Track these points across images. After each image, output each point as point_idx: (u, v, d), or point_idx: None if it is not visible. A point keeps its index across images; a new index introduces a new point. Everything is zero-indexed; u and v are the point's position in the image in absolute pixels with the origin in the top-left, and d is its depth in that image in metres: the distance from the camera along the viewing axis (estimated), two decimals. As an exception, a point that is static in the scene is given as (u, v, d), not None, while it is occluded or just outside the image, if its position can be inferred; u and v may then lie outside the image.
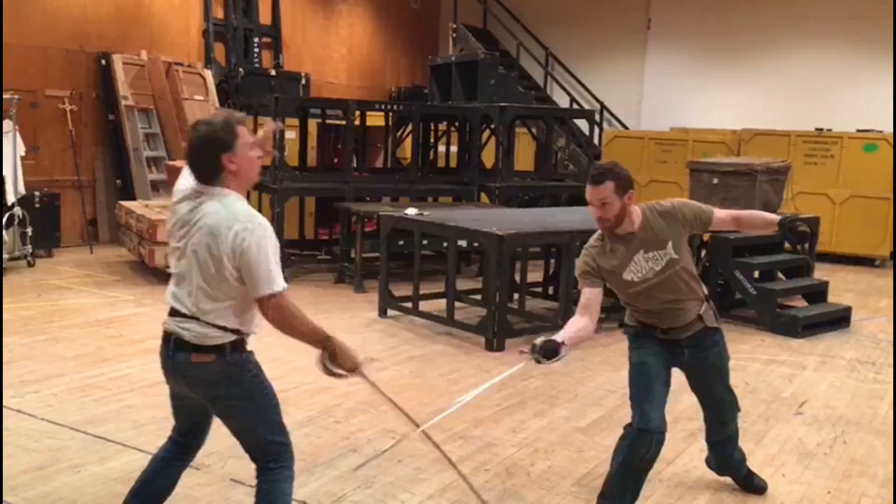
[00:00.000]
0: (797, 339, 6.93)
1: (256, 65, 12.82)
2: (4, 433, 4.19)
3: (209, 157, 2.68)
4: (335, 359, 2.73)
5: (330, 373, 2.76)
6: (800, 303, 7.95)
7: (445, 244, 7.24)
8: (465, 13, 15.06)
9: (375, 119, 11.22)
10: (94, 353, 5.79)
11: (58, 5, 10.34)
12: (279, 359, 4.92)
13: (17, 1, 9.80)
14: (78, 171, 10.31)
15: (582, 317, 3.47)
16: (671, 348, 3.59)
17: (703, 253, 7.78)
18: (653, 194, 12.88)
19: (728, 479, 3.99)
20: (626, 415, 4.95)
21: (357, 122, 10.06)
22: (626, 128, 15.01)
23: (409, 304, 7.18)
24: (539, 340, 3.30)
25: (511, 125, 10.55)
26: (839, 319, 7.61)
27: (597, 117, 14.02)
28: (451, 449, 4.29)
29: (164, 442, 3.06)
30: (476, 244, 7.32)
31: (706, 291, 3.68)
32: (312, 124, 10.73)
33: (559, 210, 9.20)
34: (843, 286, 9.62)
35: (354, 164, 9.58)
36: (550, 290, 8.18)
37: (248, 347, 2.83)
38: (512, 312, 6.98)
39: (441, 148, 11.63)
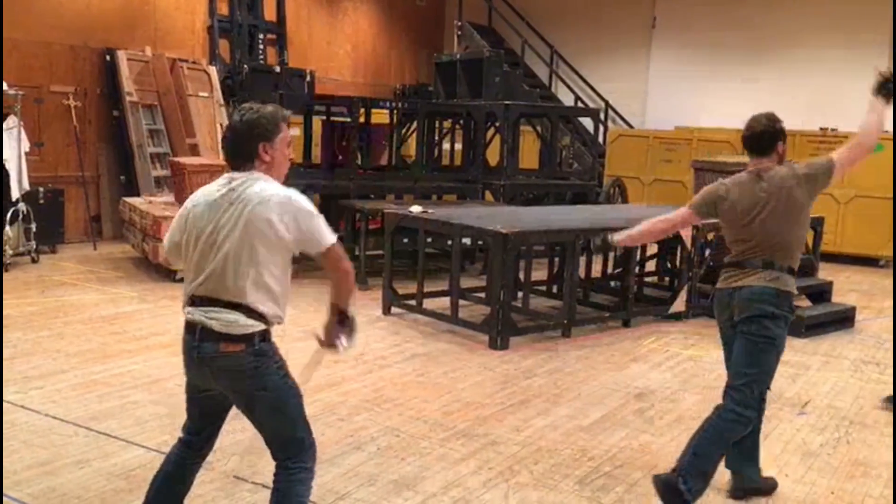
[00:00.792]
0: (801, 339, 6.92)
1: (261, 61, 12.82)
2: (10, 429, 4.20)
3: (248, 143, 2.74)
4: (352, 331, 2.84)
5: (331, 344, 2.85)
6: (804, 303, 7.92)
7: (450, 242, 7.24)
8: (471, 11, 15.05)
9: (380, 116, 11.22)
10: (98, 349, 5.80)
11: (63, 1, 10.35)
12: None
13: (22, -3, 9.83)
14: (82, 167, 10.32)
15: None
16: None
17: (707, 252, 7.77)
18: (657, 193, 12.88)
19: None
20: (629, 413, 4.97)
21: (362, 120, 10.05)
22: (630, 126, 14.98)
23: (413, 302, 7.18)
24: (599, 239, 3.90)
25: (516, 123, 10.54)
26: (843, 319, 7.59)
27: (601, 116, 14.02)
28: (454, 447, 4.30)
29: (174, 444, 3.00)
30: (480, 242, 7.32)
31: None
32: (317, 122, 10.73)
33: (563, 208, 9.19)
34: (847, 286, 9.60)
35: (359, 162, 9.58)
36: (555, 289, 8.18)
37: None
38: (516, 310, 6.97)
39: (446, 146, 11.63)
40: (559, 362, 6.03)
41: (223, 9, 12.48)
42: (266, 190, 2.69)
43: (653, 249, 8.82)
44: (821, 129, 12.29)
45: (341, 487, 3.76)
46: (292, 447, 2.80)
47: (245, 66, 12.26)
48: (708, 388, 5.50)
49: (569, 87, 15.29)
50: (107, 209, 10.87)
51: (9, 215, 8.53)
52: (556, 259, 8.29)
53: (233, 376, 2.73)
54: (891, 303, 8.95)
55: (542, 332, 6.80)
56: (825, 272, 8.96)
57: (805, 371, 6.05)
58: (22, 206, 8.73)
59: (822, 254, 8.71)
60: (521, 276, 7.65)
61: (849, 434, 4.78)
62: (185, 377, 2.88)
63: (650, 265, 8.89)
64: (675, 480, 3.48)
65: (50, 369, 5.29)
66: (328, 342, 2.86)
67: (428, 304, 7.18)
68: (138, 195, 10.04)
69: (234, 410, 2.91)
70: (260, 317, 2.69)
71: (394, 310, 7.33)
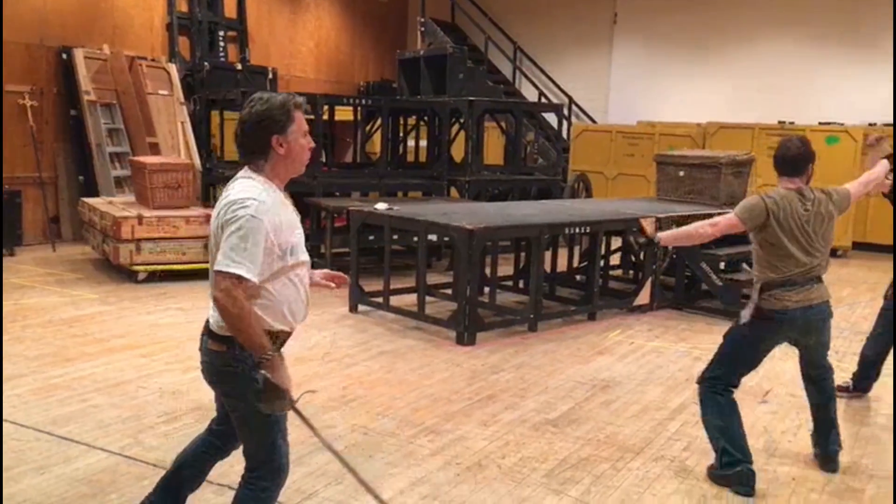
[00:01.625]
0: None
1: (222, 59, 12.67)
2: (-35, 436, 4.11)
3: (259, 136, 2.61)
4: (270, 374, 2.50)
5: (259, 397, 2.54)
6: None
7: (416, 239, 7.23)
8: (434, 7, 15.03)
9: (344, 114, 11.16)
10: (58, 352, 5.69)
11: (17, -2, 10.13)
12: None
13: (-26, -6, 9.59)
14: (39, 167, 10.12)
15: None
16: None
17: (670, 246, 7.85)
18: (621, 187, 13.00)
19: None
20: (596, 405, 5.01)
21: (325, 117, 9.99)
22: (593, 121, 15.11)
23: (380, 300, 7.16)
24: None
25: (480, 119, 10.56)
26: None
27: (565, 111, 14.10)
28: (422, 443, 4.30)
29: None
30: (446, 238, 7.32)
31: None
32: (280, 119, 10.61)
33: (529, 203, 9.23)
34: (806, 276, 9.75)
35: (323, 160, 9.52)
36: (521, 284, 8.21)
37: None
38: (483, 306, 6.99)
39: (410, 142, 11.61)
40: (526, 357, 6.06)
41: (182, 5, 12.30)
42: (230, 194, 2.60)
43: (617, 243, 8.90)
44: (779, 122, 12.52)
45: (308, 486, 3.74)
46: (253, 461, 2.79)
47: (206, 63, 12.11)
48: (672, 379, 5.58)
49: (532, 82, 15.37)
50: (65, 210, 10.66)
51: (-37, 218, 8.34)
52: (522, 254, 8.33)
53: (212, 375, 2.76)
54: (849, 291, 9.14)
55: (509, 327, 6.83)
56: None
57: (767, 360, 6.13)
58: (-23, 208, 8.54)
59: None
60: (488, 271, 7.68)
61: (808, 421, 4.86)
62: None
63: (614, 259, 8.97)
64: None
65: (9, 373, 5.17)
66: (254, 398, 2.56)
67: (395, 301, 7.16)
68: (98, 196, 9.87)
69: None
70: None
71: (360, 307, 7.30)
